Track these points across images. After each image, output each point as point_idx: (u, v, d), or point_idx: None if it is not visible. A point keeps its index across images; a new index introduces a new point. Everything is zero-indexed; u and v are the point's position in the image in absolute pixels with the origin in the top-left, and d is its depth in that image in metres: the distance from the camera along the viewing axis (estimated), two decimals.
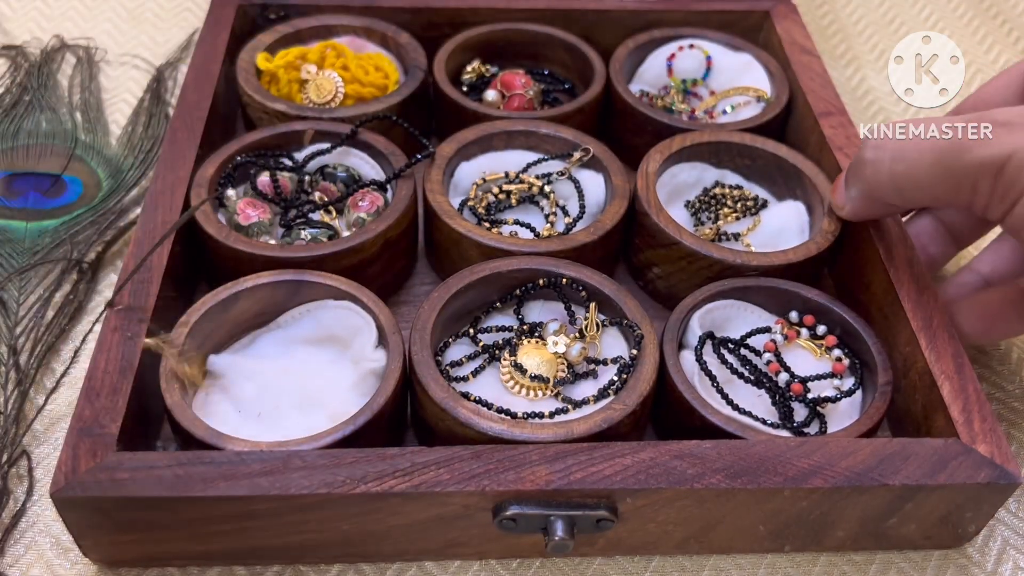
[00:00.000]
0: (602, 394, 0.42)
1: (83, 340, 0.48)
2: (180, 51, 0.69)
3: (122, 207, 0.56)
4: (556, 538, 0.37)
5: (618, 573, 0.42)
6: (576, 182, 0.53)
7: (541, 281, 0.47)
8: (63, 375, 0.47)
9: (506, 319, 0.48)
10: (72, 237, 0.54)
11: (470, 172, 0.54)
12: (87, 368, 0.40)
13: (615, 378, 0.43)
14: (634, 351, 0.43)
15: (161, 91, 0.65)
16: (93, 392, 0.39)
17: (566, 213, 0.52)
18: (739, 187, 0.55)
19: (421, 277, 0.53)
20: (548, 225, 0.51)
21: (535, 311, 0.48)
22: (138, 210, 0.56)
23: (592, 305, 0.45)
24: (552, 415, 0.42)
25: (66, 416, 0.46)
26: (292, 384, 0.43)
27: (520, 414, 0.41)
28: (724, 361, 0.45)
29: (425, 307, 0.45)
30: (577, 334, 0.45)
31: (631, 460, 0.38)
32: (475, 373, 0.44)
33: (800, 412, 0.44)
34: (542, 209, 0.53)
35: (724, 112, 0.60)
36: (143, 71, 0.67)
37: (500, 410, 0.41)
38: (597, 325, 0.45)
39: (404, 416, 0.45)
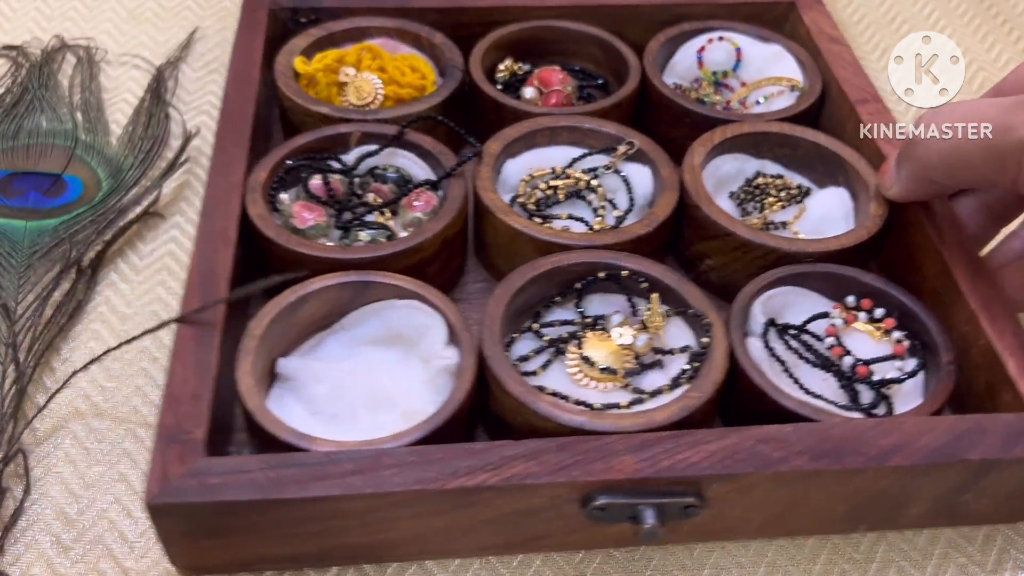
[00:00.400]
0: (676, 383, 0.43)
1: (120, 345, 0.45)
2: (180, 50, 0.69)
3: (122, 207, 0.56)
4: (648, 525, 0.38)
5: (619, 572, 0.42)
6: (623, 176, 0.53)
7: (601, 274, 0.47)
8: (72, 376, 0.46)
9: (566, 313, 0.48)
10: (72, 236, 0.53)
11: (516, 169, 0.54)
12: (167, 376, 0.40)
13: (687, 367, 0.43)
14: (705, 339, 0.43)
15: (161, 91, 0.64)
16: (174, 400, 0.39)
17: (614, 206, 0.53)
18: (780, 176, 0.55)
19: (473, 275, 0.54)
20: (598, 219, 0.52)
21: (594, 304, 0.48)
22: (138, 209, 0.56)
23: (655, 296, 0.46)
24: (629, 405, 0.42)
25: (68, 416, 0.46)
26: (363, 384, 0.44)
27: (597, 405, 0.42)
28: (789, 347, 0.45)
29: (491, 303, 0.45)
30: (640, 325, 0.46)
31: (716, 446, 0.38)
32: (543, 367, 0.45)
33: (865, 395, 0.45)
34: (590, 203, 0.53)
35: (757, 103, 0.60)
36: (143, 71, 0.67)
37: (578, 402, 0.42)
38: (661, 315, 0.45)
39: (475, 412, 0.45)
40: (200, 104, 0.65)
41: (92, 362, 0.45)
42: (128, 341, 0.44)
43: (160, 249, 0.55)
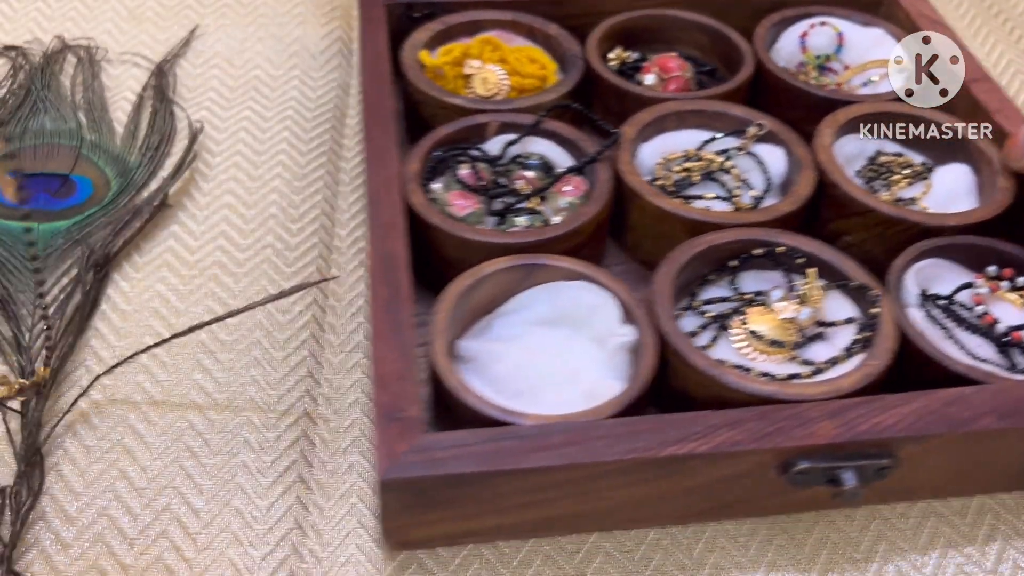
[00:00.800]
0: (850, 352, 0.44)
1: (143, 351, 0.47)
2: (180, 47, 0.69)
3: (135, 206, 0.56)
4: (849, 487, 0.39)
5: (618, 572, 0.42)
6: (755, 156, 0.55)
7: (758, 251, 0.49)
8: (96, 379, 0.47)
9: (720, 290, 0.50)
10: (86, 238, 0.54)
11: (650, 153, 0.56)
12: (372, 358, 0.41)
13: (857, 337, 0.45)
14: (874, 310, 0.45)
15: (165, 87, 0.65)
16: (382, 380, 0.41)
17: (749, 186, 0.54)
18: (900, 154, 0.57)
19: (612, 257, 0.55)
20: (736, 198, 0.54)
21: (746, 281, 0.50)
22: (148, 209, 0.56)
23: (812, 270, 0.47)
24: (811, 375, 0.44)
25: (77, 421, 0.46)
26: (543, 363, 0.45)
27: (781, 376, 0.43)
28: (946, 315, 0.47)
29: (658, 281, 0.47)
30: (798, 299, 0.47)
31: (907, 410, 0.40)
32: (712, 342, 0.46)
33: (1019, 359, 0.46)
34: (723, 184, 0.55)
35: (864, 85, 0.62)
36: (144, 69, 0.67)
37: (763, 374, 0.43)
38: (820, 289, 0.47)
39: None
40: (200, 100, 0.65)
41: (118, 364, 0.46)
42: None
43: (160, 246, 0.55)
